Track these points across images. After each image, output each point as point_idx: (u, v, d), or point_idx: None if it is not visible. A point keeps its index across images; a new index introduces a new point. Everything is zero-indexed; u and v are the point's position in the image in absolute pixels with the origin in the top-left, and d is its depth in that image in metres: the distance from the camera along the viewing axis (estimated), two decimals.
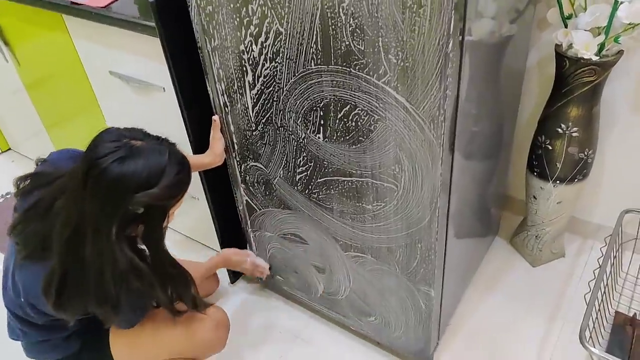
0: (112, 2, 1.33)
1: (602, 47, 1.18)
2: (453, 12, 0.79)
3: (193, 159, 1.24)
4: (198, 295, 1.11)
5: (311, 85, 1.02)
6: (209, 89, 1.20)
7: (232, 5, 1.01)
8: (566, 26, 1.24)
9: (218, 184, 1.43)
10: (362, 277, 1.26)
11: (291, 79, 1.04)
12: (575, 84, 1.25)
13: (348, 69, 0.95)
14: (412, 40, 0.85)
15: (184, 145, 1.28)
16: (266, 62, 1.05)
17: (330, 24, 0.91)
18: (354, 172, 1.08)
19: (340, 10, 0.89)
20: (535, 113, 1.45)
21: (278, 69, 1.04)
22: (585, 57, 1.18)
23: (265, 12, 0.97)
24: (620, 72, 1.32)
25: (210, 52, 1.12)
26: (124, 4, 1.34)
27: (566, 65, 1.24)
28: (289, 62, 1.02)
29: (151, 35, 1.22)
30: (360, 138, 1.02)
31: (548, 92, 1.35)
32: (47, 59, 1.66)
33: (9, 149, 2.39)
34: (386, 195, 1.06)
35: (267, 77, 1.07)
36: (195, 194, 1.53)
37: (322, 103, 1.03)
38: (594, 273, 1.26)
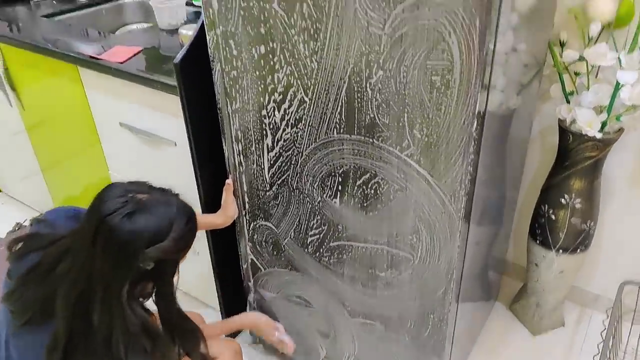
0: (130, 57, 1.36)
1: (604, 124, 1.24)
2: (479, 94, 0.83)
3: (205, 217, 1.23)
4: (207, 353, 1.08)
5: (332, 152, 1.04)
6: (224, 148, 1.21)
7: (257, 73, 1.03)
8: (568, 102, 1.30)
9: (222, 239, 1.41)
10: (369, 345, 1.24)
11: (312, 144, 1.06)
12: (579, 157, 1.30)
13: (371, 140, 0.97)
14: (437, 118, 0.88)
15: (194, 202, 1.27)
16: (287, 127, 1.07)
17: (356, 97, 0.94)
18: (369, 239, 1.09)
19: (368, 85, 0.92)
20: (538, 180, 1.49)
21: (299, 134, 1.06)
22: (589, 134, 1.23)
23: (291, 82, 1.00)
24: (619, 147, 1.37)
25: (230, 114, 1.14)
26: (140, 58, 1.36)
27: (570, 140, 1.29)
28: (310, 129, 1.04)
29: (170, 92, 1.24)
30: (378, 206, 1.03)
31: (550, 161, 1.39)
32: (54, 106, 1.66)
33: (0, 191, 2.34)
34: (401, 264, 1.06)
35: (287, 142, 1.09)
36: (197, 248, 1.51)
37: (342, 170, 1.04)
38: (598, 347, 1.27)
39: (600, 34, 1.19)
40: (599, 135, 1.23)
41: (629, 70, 1.14)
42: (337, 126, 1.00)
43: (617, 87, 1.18)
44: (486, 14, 0.76)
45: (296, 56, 0.97)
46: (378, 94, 0.92)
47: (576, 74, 1.28)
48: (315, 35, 0.92)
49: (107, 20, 1.84)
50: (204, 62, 1.12)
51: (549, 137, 1.48)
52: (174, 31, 1.55)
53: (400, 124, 0.92)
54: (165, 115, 1.33)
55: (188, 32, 1.27)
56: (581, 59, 1.20)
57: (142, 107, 1.38)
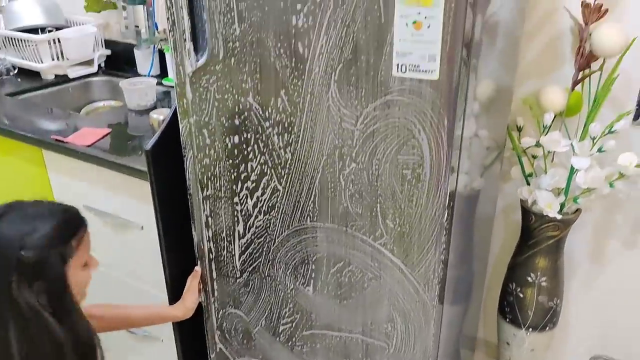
0: (98, 140, 1.35)
1: (562, 206, 1.29)
2: (449, 188, 0.86)
3: (160, 310, 1.20)
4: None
5: (305, 240, 1.04)
6: (194, 234, 1.19)
7: (230, 161, 1.04)
8: (528, 183, 1.36)
9: (188, 327, 1.36)
10: None
11: (284, 231, 1.06)
12: (541, 237, 1.34)
13: (344, 229, 0.98)
14: (409, 209, 0.90)
15: (161, 288, 1.24)
16: (260, 215, 1.07)
17: (329, 186, 0.96)
18: (343, 327, 1.07)
19: (341, 176, 0.94)
20: (503, 257, 1.52)
21: (272, 221, 1.06)
22: (550, 215, 1.28)
23: (265, 171, 1.01)
24: (578, 224, 1.43)
25: (201, 200, 1.13)
26: (108, 140, 1.36)
27: (532, 220, 1.34)
28: (283, 216, 1.04)
29: (138, 177, 1.23)
30: (352, 294, 1.03)
31: (514, 237, 1.43)
32: (13, 186, 1.61)
33: None
34: (376, 353, 1.05)
35: (259, 228, 1.08)
36: (160, 336, 1.45)
37: (315, 257, 1.04)
38: None
39: (553, 122, 1.27)
40: (558, 217, 1.28)
41: (582, 156, 1.21)
42: (311, 214, 1.01)
43: (572, 171, 1.25)
44: (454, 114, 0.81)
45: (270, 147, 0.99)
46: (351, 185, 0.94)
47: (534, 157, 1.35)
48: (290, 128, 0.95)
49: (74, 98, 1.84)
50: (175, 148, 1.12)
51: (512, 215, 1.53)
52: (143, 111, 1.56)
53: (373, 214, 0.94)
54: (133, 198, 1.31)
55: (159, 117, 1.29)
56: (538, 145, 1.27)
57: (108, 190, 1.36)
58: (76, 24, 1.89)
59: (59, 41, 1.75)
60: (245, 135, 1.00)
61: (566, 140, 1.24)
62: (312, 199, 0.99)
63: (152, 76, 1.78)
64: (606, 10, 1.16)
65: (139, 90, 1.55)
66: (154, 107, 1.58)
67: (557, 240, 1.35)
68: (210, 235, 1.16)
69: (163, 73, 1.82)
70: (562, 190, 1.30)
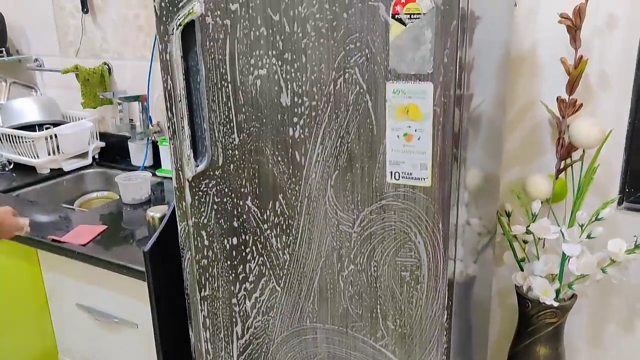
0: (94, 238, 1.35)
1: (558, 292, 1.31)
2: (447, 289, 0.88)
3: None
4: None
5: (304, 341, 1.03)
6: (191, 334, 1.18)
7: (229, 262, 1.05)
8: (521, 268, 1.38)
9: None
10: None
11: (283, 332, 1.05)
12: (540, 324, 1.34)
13: (345, 330, 0.98)
14: (410, 310, 0.91)
15: None
16: (258, 315, 1.06)
17: (328, 287, 0.97)
18: None
19: (340, 278, 0.95)
20: (502, 344, 1.51)
21: (270, 322, 1.05)
22: (547, 302, 1.29)
23: (264, 271, 1.02)
24: (574, 311, 1.44)
25: (198, 301, 1.13)
26: (104, 238, 1.36)
27: (529, 307, 1.34)
28: (282, 317, 1.04)
29: (134, 277, 1.23)
30: None
31: (511, 322, 1.43)
32: (4, 282, 1.58)
33: None
34: None
35: (258, 329, 1.07)
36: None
37: (316, 358, 1.03)
38: None
39: (540, 208, 1.31)
40: (555, 303, 1.29)
41: (572, 243, 1.24)
42: (310, 315, 1.00)
43: (564, 257, 1.27)
44: (448, 218, 0.84)
45: (268, 248, 1.00)
46: (350, 286, 0.94)
47: (525, 242, 1.38)
48: (288, 230, 0.97)
49: (68, 190, 1.86)
50: (173, 248, 1.13)
51: (507, 299, 1.54)
52: (137, 205, 1.58)
53: (374, 315, 0.94)
54: (128, 297, 1.30)
55: (155, 214, 1.30)
56: (528, 232, 1.31)
57: (103, 289, 1.35)
58: (73, 119, 1.94)
59: (56, 137, 1.79)
60: (243, 237, 1.02)
61: (555, 227, 1.27)
62: (311, 300, 0.99)
63: (146, 167, 1.81)
64: (581, 105, 1.24)
65: (134, 184, 1.57)
66: (149, 200, 1.60)
67: (556, 327, 1.34)
68: (208, 337, 1.15)
69: (156, 164, 1.86)
70: (556, 276, 1.32)
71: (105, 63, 1.86)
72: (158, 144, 1.79)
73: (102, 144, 1.95)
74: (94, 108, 1.87)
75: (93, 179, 1.92)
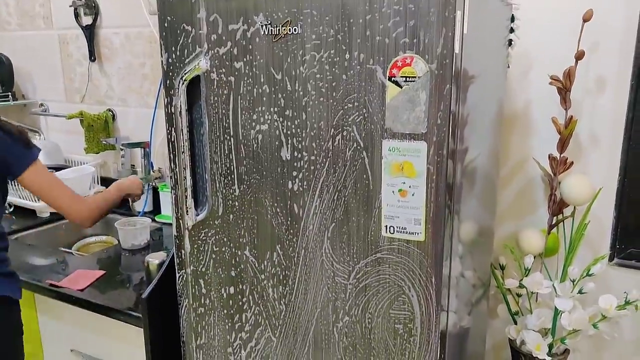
0: (92, 283, 1.36)
1: (551, 346, 1.31)
2: (439, 341, 0.89)
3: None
4: None
5: None
6: None
7: (225, 311, 1.06)
8: (515, 322, 1.39)
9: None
10: None
11: None
12: None
13: None
14: None
15: None
16: None
17: (323, 338, 0.98)
18: None
19: (335, 329, 0.96)
20: None
21: None
22: (540, 357, 1.29)
23: (259, 321, 1.03)
24: None
25: (194, 349, 1.13)
26: (101, 284, 1.37)
27: None
28: None
29: (131, 323, 1.23)
30: None
31: None
32: None
33: None
34: None
35: None
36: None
37: None
38: None
39: (533, 262, 1.33)
40: (548, 358, 1.29)
41: (564, 297, 1.26)
42: None
43: (557, 312, 1.28)
44: (441, 273, 0.86)
45: (265, 298, 1.02)
46: (345, 337, 0.95)
47: (518, 295, 1.39)
48: (284, 281, 0.99)
49: (67, 234, 1.87)
50: (171, 296, 1.14)
51: (501, 353, 1.53)
52: (136, 251, 1.60)
53: None
54: (123, 344, 1.29)
55: (154, 261, 1.32)
56: (521, 285, 1.32)
57: (98, 335, 1.34)
58: (75, 163, 1.98)
59: None
60: (240, 286, 1.04)
61: (548, 281, 1.29)
62: (306, 350, 1.00)
63: (145, 213, 1.84)
64: (571, 163, 1.28)
65: (133, 230, 1.59)
66: (147, 246, 1.62)
67: None
68: None
69: (156, 209, 1.88)
70: (549, 331, 1.33)
71: (109, 109, 1.92)
72: (159, 189, 1.82)
73: (103, 189, 1.98)
74: (97, 153, 1.91)
75: None
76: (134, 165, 1.87)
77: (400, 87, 0.82)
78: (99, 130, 1.88)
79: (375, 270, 0.90)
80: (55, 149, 2.01)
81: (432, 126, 0.81)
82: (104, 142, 1.88)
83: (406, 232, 0.86)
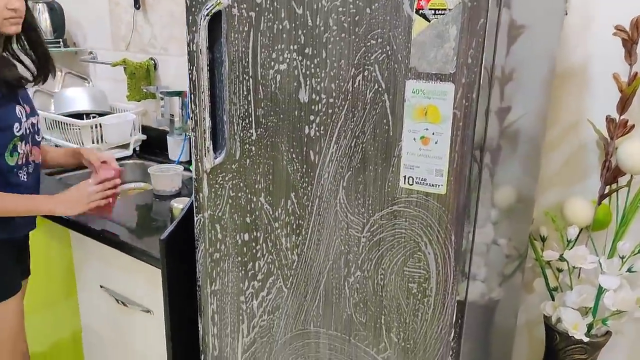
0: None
1: (591, 327, 1.21)
2: (456, 306, 0.82)
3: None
4: None
5: (307, 344, 1.00)
6: (200, 326, 1.17)
7: (239, 258, 1.04)
8: (552, 297, 1.29)
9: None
10: None
11: (287, 334, 1.02)
12: None
13: (348, 337, 0.94)
14: (414, 324, 0.86)
15: None
16: (264, 315, 1.04)
17: (334, 292, 0.93)
18: None
19: (346, 283, 0.91)
20: None
21: (275, 322, 1.03)
22: (576, 337, 1.19)
23: (272, 270, 1.00)
24: (608, 349, 1.32)
25: (209, 294, 1.12)
26: (127, 226, 1.39)
27: (557, 340, 1.25)
28: (287, 318, 1.01)
29: (153, 264, 1.24)
30: None
31: (539, 354, 1.33)
32: (38, 262, 1.64)
33: None
34: None
35: (263, 328, 1.05)
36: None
37: None
38: None
39: (579, 235, 1.22)
40: (585, 339, 1.19)
41: (610, 275, 1.15)
42: (314, 319, 0.97)
43: (600, 290, 1.17)
44: (462, 230, 0.79)
45: (278, 247, 0.98)
46: (356, 293, 0.91)
47: (559, 270, 1.29)
48: (298, 230, 0.94)
49: None
50: (190, 240, 1.13)
51: (536, 331, 1.44)
52: (167, 197, 1.60)
53: (377, 325, 0.90)
54: (145, 284, 1.31)
55: (179, 206, 1.31)
56: (562, 259, 1.22)
57: (124, 274, 1.37)
58: (118, 111, 2.01)
59: (101, 126, 1.86)
60: (255, 234, 1.00)
61: (593, 256, 1.18)
62: (316, 303, 0.96)
63: (181, 162, 1.84)
64: (632, 126, 1.15)
65: (165, 176, 1.60)
66: (179, 194, 1.62)
67: None
68: (215, 332, 1.13)
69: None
70: (589, 310, 1.22)
71: (151, 58, 1.91)
72: None
73: (144, 137, 2.01)
74: (138, 101, 1.93)
75: (132, 170, 1.97)
76: (172, 115, 1.87)
77: (429, 20, 0.73)
78: (141, 78, 1.88)
79: (391, 223, 0.84)
80: (102, 96, 2.04)
81: (461, 66, 0.73)
82: (144, 90, 1.89)
83: (426, 184, 0.79)
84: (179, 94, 1.78)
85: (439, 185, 0.78)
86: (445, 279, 0.81)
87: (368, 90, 0.81)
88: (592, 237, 1.24)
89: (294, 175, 0.92)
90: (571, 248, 1.21)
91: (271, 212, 0.97)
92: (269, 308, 1.03)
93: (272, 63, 0.89)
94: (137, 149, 1.99)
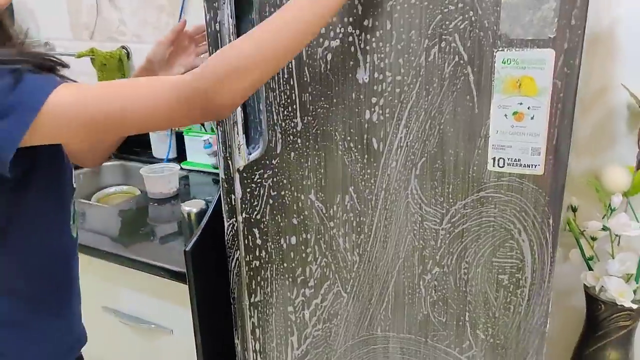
0: None
1: (635, 292, 1.19)
2: (551, 294, 0.75)
3: None
4: None
5: (373, 351, 0.91)
6: (236, 343, 1.05)
7: (285, 265, 0.93)
8: (589, 267, 1.26)
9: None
10: None
11: (348, 342, 0.92)
12: (612, 327, 1.22)
13: (424, 339, 0.85)
14: (505, 318, 0.78)
15: None
16: (319, 324, 0.94)
17: (406, 292, 0.84)
18: None
19: (421, 282, 0.82)
20: (559, 346, 1.39)
21: (333, 330, 0.93)
22: (624, 304, 1.17)
23: (327, 274, 0.90)
24: None
25: (247, 307, 1.00)
26: (131, 238, 1.24)
27: (601, 309, 1.22)
28: (347, 325, 0.91)
29: (171, 279, 1.10)
30: None
31: (570, 324, 1.31)
32: None
33: None
34: None
35: (317, 338, 0.95)
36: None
37: None
38: None
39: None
40: (634, 306, 1.17)
41: None
42: (382, 323, 0.88)
43: None
44: (559, 212, 0.71)
45: (334, 248, 0.88)
46: (433, 291, 0.82)
47: (593, 239, 1.26)
48: (359, 228, 0.84)
49: (84, 184, 1.73)
50: (218, 248, 1.01)
51: (566, 301, 1.41)
52: (165, 200, 1.45)
53: (460, 323, 0.82)
54: (162, 301, 1.17)
55: (192, 209, 1.17)
56: (605, 228, 1.18)
57: (133, 292, 1.22)
58: None
59: None
60: (304, 236, 0.89)
61: (636, 222, 1.15)
62: (384, 306, 0.87)
63: (170, 160, 1.68)
64: None
65: (161, 177, 1.44)
66: (176, 195, 1.47)
67: (629, 331, 1.22)
68: (258, 348, 1.02)
69: (180, 156, 1.73)
70: (632, 277, 1.20)
71: (123, 47, 1.72)
72: (183, 134, 1.65)
73: None
74: None
75: (111, 172, 1.78)
76: None
77: None
78: (113, 70, 1.69)
79: (477, 212, 0.75)
80: None
81: (563, 28, 0.64)
82: None
83: (520, 165, 0.70)
84: None
85: (535, 166, 0.70)
86: (542, 267, 0.74)
87: (446, 64, 0.71)
88: (631, 203, 1.21)
89: (352, 168, 0.82)
90: (612, 217, 1.17)
91: (324, 211, 0.86)
92: (325, 316, 0.93)
93: (321, 40, 0.78)
94: None
